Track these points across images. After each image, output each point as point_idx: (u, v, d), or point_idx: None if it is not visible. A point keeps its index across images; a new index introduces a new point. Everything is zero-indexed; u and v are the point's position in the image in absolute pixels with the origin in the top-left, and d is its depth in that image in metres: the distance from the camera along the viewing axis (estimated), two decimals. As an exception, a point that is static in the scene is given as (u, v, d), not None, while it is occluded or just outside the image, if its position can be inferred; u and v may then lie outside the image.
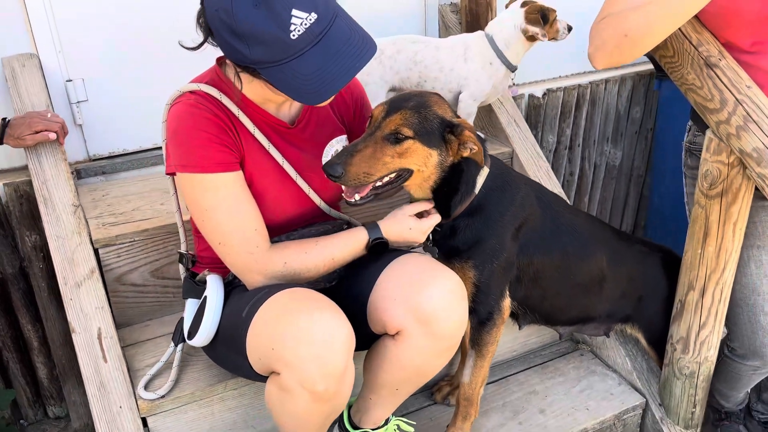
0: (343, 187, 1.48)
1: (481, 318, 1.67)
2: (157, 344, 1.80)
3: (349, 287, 1.54)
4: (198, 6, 1.37)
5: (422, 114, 1.46)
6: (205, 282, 1.55)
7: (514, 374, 2.06)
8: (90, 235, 1.77)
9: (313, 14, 1.25)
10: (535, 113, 2.81)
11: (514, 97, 2.70)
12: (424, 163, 1.49)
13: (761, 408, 2.18)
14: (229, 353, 1.49)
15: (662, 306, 1.90)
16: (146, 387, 1.64)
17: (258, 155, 1.48)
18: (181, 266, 1.68)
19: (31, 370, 2.33)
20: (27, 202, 2.04)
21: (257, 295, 1.39)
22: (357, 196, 1.47)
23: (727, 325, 1.84)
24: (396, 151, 1.45)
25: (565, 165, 3.02)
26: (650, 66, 3.00)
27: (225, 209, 1.41)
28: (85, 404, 2.39)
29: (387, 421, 1.68)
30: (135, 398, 1.60)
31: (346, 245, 1.50)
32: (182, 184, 1.44)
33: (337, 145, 1.62)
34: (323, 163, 1.57)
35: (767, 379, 2.07)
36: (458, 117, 1.54)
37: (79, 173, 2.12)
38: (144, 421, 1.61)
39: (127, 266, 1.85)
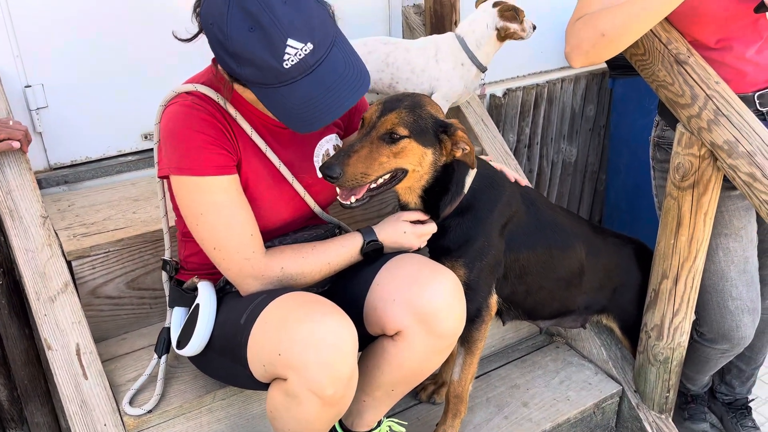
0: (338, 189, 1.47)
1: (470, 315, 1.68)
2: (137, 358, 1.74)
3: (343, 290, 1.53)
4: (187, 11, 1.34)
5: (417, 113, 1.47)
6: (194, 289, 1.51)
7: (495, 369, 2.09)
8: (62, 248, 1.69)
9: (309, 44, 1.23)
10: (496, 112, 2.86)
11: (480, 97, 2.74)
12: (419, 163, 1.50)
13: (724, 389, 2.29)
14: (223, 361, 1.45)
15: (635, 296, 1.97)
16: (131, 402, 1.58)
17: (254, 158, 1.45)
18: (164, 273, 1.62)
19: (-11, 392, 2.20)
20: (-15, 215, 1.93)
21: (255, 300, 1.36)
22: (353, 198, 1.45)
23: (696, 311, 1.92)
24: (392, 151, 1.45)
25: (524, 163, 3.08)
26: (603, 65, 3.10)
27: (221, 214, 1.37)
28: (49, 426, 2.28)
29: (379, 423, 1.68)
30: (120, 415, 1.54)
31: (342, 249, 1.48)
32: (177, 187, 1.39)
33: (327, 144, 1.60)
34: (316, 164, 1.55)
35: (730, 362, 2.17)
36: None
37: (39, 183, 2.02)
38: (131, 438, 1.55)
39: (102, 278, 1.78)
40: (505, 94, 2.87)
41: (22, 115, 1.98)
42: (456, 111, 2.44)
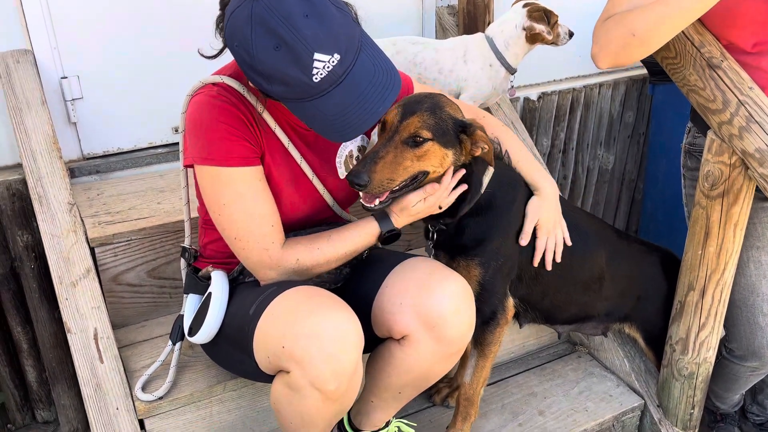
0: (361, 193, 1.47)
1: (484, 317, 1.66)
2: (154, 345, 1.77)
3: (354, 288, 1.53)
4: (217, 11, 1.35)
5: (437, 115, 1.46)
6: (208, 278, 1.52)
7: (512, 376, 2.05)
8: (86, 234, 1.74)
9: (336, 55, 1.22)
10: (530, 116, 2.82)
11: (510, 100, 2.71)
12: (440, 164, 1.49)
13: (756, 410, 2.20)
14: (233, 351, 1.46)
15: (661, 306, 1.91)
16: (144, 388, 1.61)
17: (277, 153, 1.46)
18: (183, 260, 1.64)
19: (19, 373, 2.28)
20: (20, 200, 2.00)
21: (265, 292, 1.37)
22: (377, 201, 1.45)
23: (725, 326, 1.84)
24: (415, 155, 1.44)
25: (558, 168, 3.03)
26: (643, 71, 3.02)
27: (243, 204, 1.38)
28: (75, 408, 2.34)
29: (388, 424, 1.67)
30: (132, 400, 1.57)
31: (358, 238, 1.48)
32: (201, 177, 1.41)
33: (350, 145, 1.60)
34: (338, 164, 1.56)
35: (762, 381, 2.08)
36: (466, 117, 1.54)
37: (72, 172, 2.08)
38: (141, 423, 1.58)
39: (124, 266, 1.82)
40: (539, 97, 2.83)
41: (58, 105, 2.04)
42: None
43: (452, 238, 1.62)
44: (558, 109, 2.88)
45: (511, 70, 2.13)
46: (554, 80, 2.89)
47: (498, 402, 1.94)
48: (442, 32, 2.54)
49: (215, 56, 1.39)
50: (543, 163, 2.32)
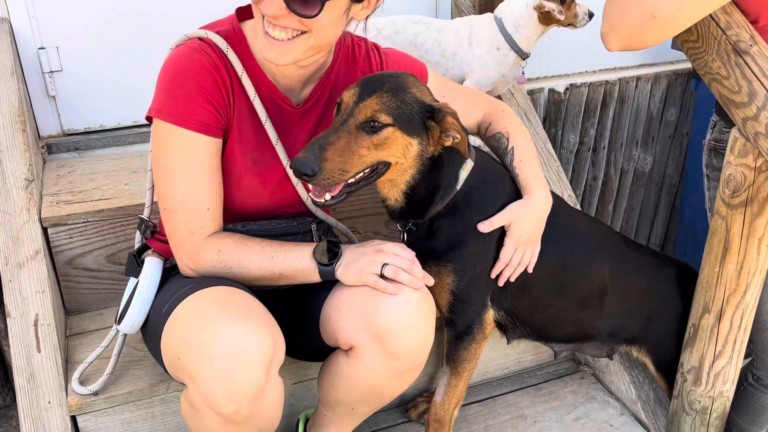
0: (310, 185, 1.28)
1: (458, 331, 1.47)
2: (105, 335, 1.64)
3: (306, 291, 1.36)
4: None
5: (400, 97, 1.26)
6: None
7: (502, 395, 1.84)
8: (40, 213, 1.64)
9: None
10: (555, 110, 2.58)
11: (529, 92, 2.49)
12: (403, 155, 1.29)
13: (788, 451, 1.92)
14: (155, 349, 1.32)
15: (675, 329, 1.66)
16: (84, 382, 1.48)
17: (248, 128, 1.30)
18: (138, 234, 1.48)
19: (-1, 353, 2.22)
20: None
21: (182, 289, 1.22)
22: (328, 195, 1.25)
23: (755, 352, 1.59)
24: (373, 142, 1.24)
25: (588, 168, 2.78)
26: (688, 64, 2.74)
27: (185, 175, 1.23)
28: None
29: (345, 440, 1.50)
30: (66, 394, 1.45)
31: (293, 253, 1.27)
32: (154, 131, 1.27)
33: None
34: None
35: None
36: (437, 101, 1.34)
37: (50, 148, 2.00)
38: (74, 420, 1.46)
39: (80, 249, 1.70)
40: (566, 89, 2.58)
41: (36, 77, 1.95)
42: (498, 103, 2.19)
43: (423, 241, 1.43)
44: (588, 103, 2.63)
45: (523, 55, 1.92)
46: (585, 71, 2.64)
47: (481, 422, 1.74)
48: (457, 13, 2.34)
49: None
50: (555, 158, 2.09)
